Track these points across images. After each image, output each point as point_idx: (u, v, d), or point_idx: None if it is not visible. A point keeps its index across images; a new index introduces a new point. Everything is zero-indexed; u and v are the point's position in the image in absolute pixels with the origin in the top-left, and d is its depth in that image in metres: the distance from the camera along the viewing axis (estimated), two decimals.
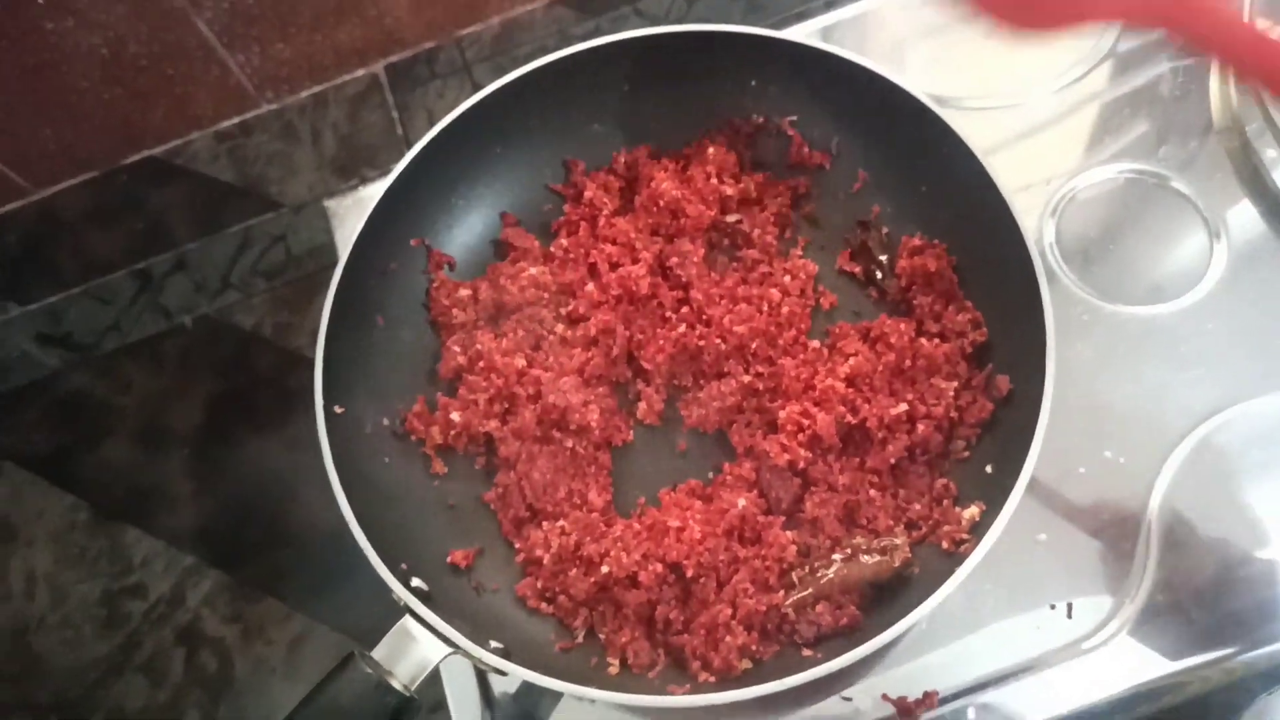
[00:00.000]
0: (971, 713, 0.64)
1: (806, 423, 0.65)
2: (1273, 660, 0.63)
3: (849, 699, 0.65)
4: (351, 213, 0.85)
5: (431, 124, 0.73)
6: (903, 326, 0.68)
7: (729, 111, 0.77)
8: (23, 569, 0.95)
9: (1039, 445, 0.58)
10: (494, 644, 0.59)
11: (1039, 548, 0.67)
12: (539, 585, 0.67)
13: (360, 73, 1.09)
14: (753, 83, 0.76)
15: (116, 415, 1.00)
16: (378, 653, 0.57)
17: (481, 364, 0.71)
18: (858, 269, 0.72)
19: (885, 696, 0.64)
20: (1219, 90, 0.80)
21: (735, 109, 0.77)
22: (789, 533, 0.64)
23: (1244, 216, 0.75)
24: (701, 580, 0.63)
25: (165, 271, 1.05)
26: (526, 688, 0.69)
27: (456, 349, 0.72)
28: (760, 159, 0.78)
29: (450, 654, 0.58)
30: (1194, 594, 0.65)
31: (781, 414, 0.67)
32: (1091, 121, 0.80)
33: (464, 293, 0.73)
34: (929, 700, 0.64)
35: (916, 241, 0.71)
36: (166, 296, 1.04)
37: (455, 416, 0.70)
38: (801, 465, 0.65)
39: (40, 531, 0.96)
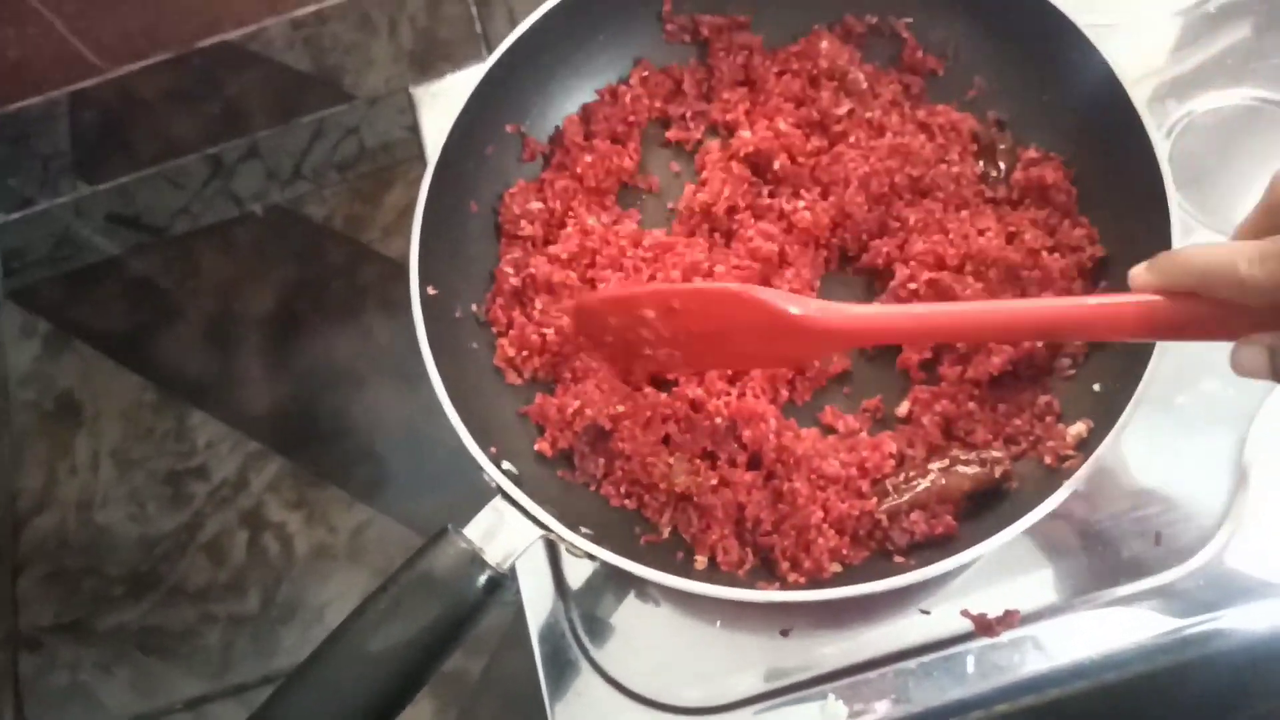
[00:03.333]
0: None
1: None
2: None
3: (927, 612, 0.64)
4: (437, 100, 0.84)
5: (512, 22, 0.71)
6: (1039, 230, 0.66)
7: (843, 9, 0.75)
8: (89, 445, 0.95)
9: (1156, 360, 0.57)
10: (584, 529, 0.59)
11: (1128, 476, 0.66)
12: (621, 489, 0.66)
13: None
14: None
15: (186, 299, 0.99)
16: (470, 530, 0.57)
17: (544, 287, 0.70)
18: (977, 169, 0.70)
19: (965, 612, 0.63)
20: None
21: (850, 5, 0.75)
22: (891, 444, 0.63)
23: None
24: (791, 482, 0.62)
25: (238, 158, 1.04)
26: (595, 583, 0.69)
27: (509, 270, 0.71)
28: (870, 62, 0.75)
29: (540, 536, 0.58)
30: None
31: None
32: (1215, 44, 0.77)
33: (535, 205, 0.72)
34: (1010, 619, 0.63)
35: (1033, 153, 0.69)
36: (238, 183, 1.03)
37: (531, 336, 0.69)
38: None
39: (108, 409, 0.96)
